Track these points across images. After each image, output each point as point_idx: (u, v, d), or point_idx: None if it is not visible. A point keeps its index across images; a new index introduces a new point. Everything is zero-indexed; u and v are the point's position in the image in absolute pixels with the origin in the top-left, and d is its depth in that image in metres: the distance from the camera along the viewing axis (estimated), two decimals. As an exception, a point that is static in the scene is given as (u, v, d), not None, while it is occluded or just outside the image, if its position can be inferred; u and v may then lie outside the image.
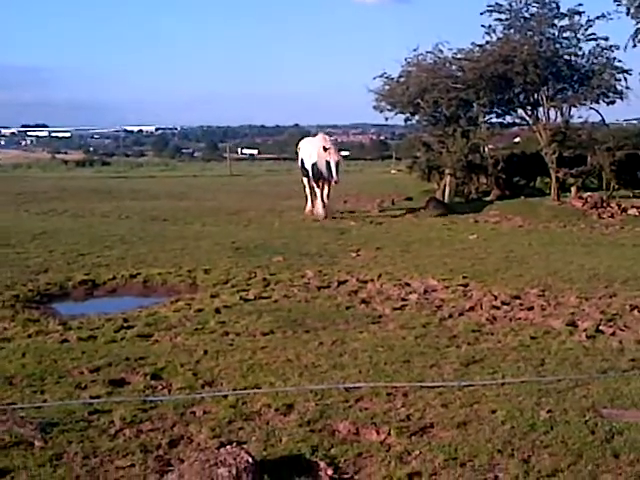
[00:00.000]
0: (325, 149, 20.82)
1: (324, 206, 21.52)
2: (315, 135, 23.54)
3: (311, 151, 21.95)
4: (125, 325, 9.22)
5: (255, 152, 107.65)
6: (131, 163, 65.14)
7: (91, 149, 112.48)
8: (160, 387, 6.97)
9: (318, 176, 21.49)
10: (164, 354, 7.99)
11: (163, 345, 8.40)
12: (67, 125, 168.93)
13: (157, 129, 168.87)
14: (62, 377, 7.20)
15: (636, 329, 8.97)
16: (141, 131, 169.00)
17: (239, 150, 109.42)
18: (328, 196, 21.80)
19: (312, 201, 22.46)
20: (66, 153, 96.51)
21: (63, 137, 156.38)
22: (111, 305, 10.83)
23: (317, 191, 21.81)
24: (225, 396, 6.62)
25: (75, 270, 12.90)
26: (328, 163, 20.73)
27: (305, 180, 22.79)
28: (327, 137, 22.52)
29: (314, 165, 21.45)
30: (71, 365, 7.57)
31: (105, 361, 7.68)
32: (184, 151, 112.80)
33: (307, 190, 22.84)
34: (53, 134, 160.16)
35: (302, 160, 22.58)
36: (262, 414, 6.24)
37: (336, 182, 20.95)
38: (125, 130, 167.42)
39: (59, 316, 9.99)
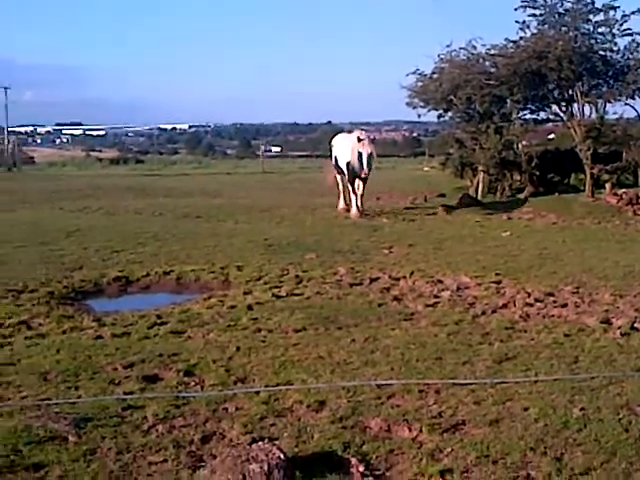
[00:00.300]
0: (359, 140, 20.36)
1: (359, 205, 21.03)
2: (350, 132, 22.77)
3: (345, 148, 21.34)
4: (158, 322, 9.28)
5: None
6: (165, 161, 65.51)
7: (126, 147, 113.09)
8: (193, 383, 7.00)
9: (353, 174, 20.90)
10: (197, 350, 8.03)
11: (196, 341, 8.45)
12: (101, 123, 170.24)
13: (190, 127, 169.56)
14: (96, 373, 7.26)
15: (671, 327, 8.88)
16: (175, 129, 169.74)
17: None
18: (362, 194, 21.23)
19: (345, 198, 22.03)
20: (100, 151, 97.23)
21: (97, 135, 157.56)
22: (144, 302, 10.89)
23: (351, 190, 21.26)
24: (257, 392, 6.64)
25: (109, 267, 13.01)
26: (360, 154, 20.25)
27: (339, 177, 22.32)
28: (363, 132, 21.79)
29: (349, 163, 20.88)
30: (105, 361, 7.63)
31: (138, 357, 7.74)
32: (217, 149, 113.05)
33: (340, 187, 22.34)
34: (87, 132, 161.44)
35: (336, 158, 21.98)
36: (294, 410, 6.25)
37: (365, 175, 20.44)
38: (159, 128, 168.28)
39: (93, 312, 10.07)
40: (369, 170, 20.50)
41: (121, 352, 7.96)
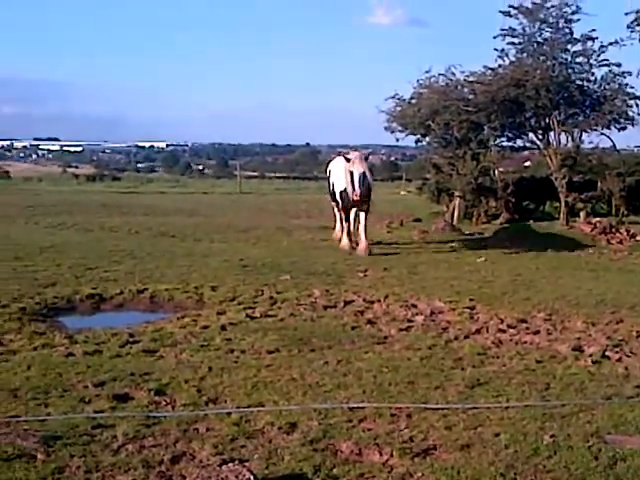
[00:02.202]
0: (348, 159, 18.07)
1: (364, 240, 18.46)
2: (347, 154, 19.04)
3: (340, 174, 18.84)
4: (131, 340, 9.23)
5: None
6: (141, 179, 65.29)
7: (103, 164, 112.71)
8: (164, 403, 6.96)
9: (349, 204, 18.62)
10: (169, 370, 7.99)
11: (168, 361, 8.41)
12: (79, 139, 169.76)
13: (168, 145, 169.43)
14: (66, 391, 7.21)
15: (642, 355, 8.94)
16: (152, 147, 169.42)
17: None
18: (365, 225, 18.67)
19: (349, 233, 19.19)
20: (77, 167, 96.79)
21: (75, 151, 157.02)
22: (117, 320, 10.83)
23: (345, 224, 19.03)
24: (229, 413, 6.62)
25: (83, 284, 12.93)
26: (351, 174, 17.85)
27: (334, 204, 20.09)
28: (356, 152, 19.13)
29: (343, 192, 18.58)
30: (76, 379, 7.58)
31: (110, 376, 7.70)
32: (194, 167, 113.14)
33: (337, 213, 20.08)
34: (65, 148, 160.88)
35: (333, 185, 19.53)
36: (265, 432, 6.23)
37: (357, 197, 17.68)
38: (136, 146, 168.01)
39: (65, 330, 10.00)
40: (366, 193, 18.15)
41: (92, 370, 7.90)
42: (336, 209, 20.07)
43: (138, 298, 12.32)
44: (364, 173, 17.96)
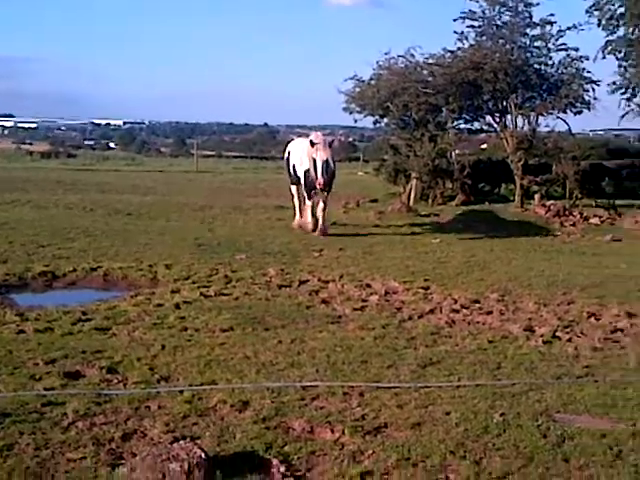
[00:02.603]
0: (312, 144, 17.83)
1: (321, 221, 18.30)
2: (307, 136, 19.33)
3: (302, 155, 18.70)
4: (83, 318, 9.16)
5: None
6: (97, 156, 64.55)
7: (58, 141, 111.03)
8: (115, 381, 6.93)
9: (312, 185, 18.31)
10: (121, 348, 7.95)
11: (120, 339, 8.36)
12: (34, 116, 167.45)
13: (125, 123, 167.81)
14: (17, 368, 7.14)
15: (592, 336, 9.06)
16: (108, 124, 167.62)
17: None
18: (325, 208, 18.39)
19: (301, 212, 19.28)
20: (31, 144, 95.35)
21: (29, 128, 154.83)
22: (70, 298, 10.73)
23: (309, 203, 18.66)
24: (181, 391, 6.61)
25: (35, 261, 12.79)
26: (314, 161, 17.74)
27: (294, 189, 19.61)
28: (319, 134, 19.20)
29: (307, 172, 18.29)
30: (26, 356, 7.51)
31: (61, 353, 7.63)
32: (151, 146, 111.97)
33: (296, 200, 19.50)
34: (19, 124, 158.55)
35: (294, 166, 19.20)
36: (217, 410, 6.23)
37: (321, 185, 17.72)
38: (92, 123, 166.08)
39: (16, 307, 9.88)
40: (328, 179, 18.00)
41: (43, 347, 7.84)
42: (295, 191, 19.58)
43: (91, 276, 12.22)
44: (327, 161, 17.80)
